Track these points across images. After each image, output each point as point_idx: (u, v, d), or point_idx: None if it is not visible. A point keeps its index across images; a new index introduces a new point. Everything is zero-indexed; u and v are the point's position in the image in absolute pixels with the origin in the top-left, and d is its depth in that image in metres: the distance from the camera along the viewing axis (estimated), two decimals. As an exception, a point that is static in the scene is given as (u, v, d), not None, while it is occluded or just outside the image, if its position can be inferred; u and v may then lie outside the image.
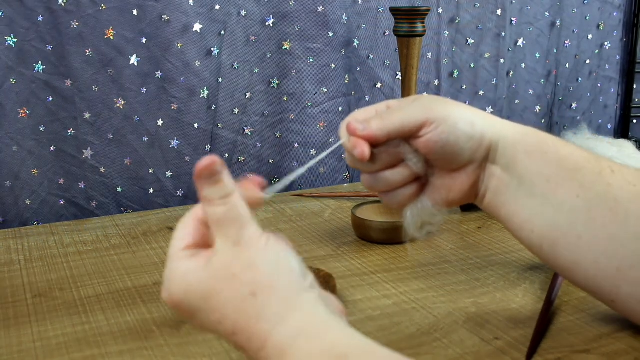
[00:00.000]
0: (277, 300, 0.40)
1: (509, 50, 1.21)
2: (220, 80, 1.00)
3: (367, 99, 1.12)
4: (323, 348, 0.38)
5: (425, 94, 0.53)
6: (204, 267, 0.41)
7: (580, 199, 0.52)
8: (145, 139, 0.97)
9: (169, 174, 1.00)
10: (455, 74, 1.18)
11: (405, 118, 0.53)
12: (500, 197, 0.56)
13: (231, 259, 0.41)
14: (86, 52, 0.90)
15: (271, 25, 1.02)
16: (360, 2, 1.07)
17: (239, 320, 0.40)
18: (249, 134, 1.04)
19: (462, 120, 0.54)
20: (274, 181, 1.08)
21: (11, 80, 0.88)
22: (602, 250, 0.51)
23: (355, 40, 1.08)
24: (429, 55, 1.14)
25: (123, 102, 0.94)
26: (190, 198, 1.02)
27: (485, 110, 1.21)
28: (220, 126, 1.01)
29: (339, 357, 0.38)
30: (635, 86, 1.35)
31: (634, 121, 1.38)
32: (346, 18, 1.06)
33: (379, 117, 0.54)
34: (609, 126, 1.37)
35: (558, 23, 1.25)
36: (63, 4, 0.88)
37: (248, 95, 1.03)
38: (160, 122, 0.97)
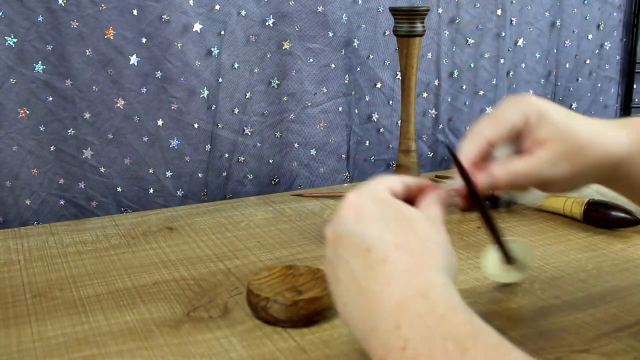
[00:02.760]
0: (447, 262, 0.44)
1: (509, 50, 1.21)
2: (220, 80, 1.00)
3: (367, 98, 1.12)
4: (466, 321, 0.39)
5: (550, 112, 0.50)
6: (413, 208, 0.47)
7: None
8: (145, 139, 0.97)
9: (169, 174, 1.00)
10: (455, 74, 1.18)
11: (535, 173, 0.52)
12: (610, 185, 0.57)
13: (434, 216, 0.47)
14: (86, 52, 0.90)
15: (271, 25, 1.02)
16: (360, 2, 1.07)
17: (411, 242, 0.43)
18: (249, 134, 1.04)
19: (597, 160, 0.52)
20: (274, 181, 1.08)
21: (11, 80, 0.88)
22: None
23: (355, 40, 1.08)
24: (429, 55, 1.14)
25: (123, 102, 0.94)
26: (190, 198, 1.02)
27: (486, 110, 1.21)
28: (220, 126, 1.01)
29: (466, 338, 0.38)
30: (635, 86, 1.35)
31: (634, 121, 1.38)
32: (346, 18, 1.06)
33: (504, 167, 0.52)
34: (609, 126, 1.37)
35: (558, 23, 1.25)
36: (63, 4, 0.88)
37: (248, 95, 1.03)
38: (160, 122, 0.97)
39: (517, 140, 0.53)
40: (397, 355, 0.39)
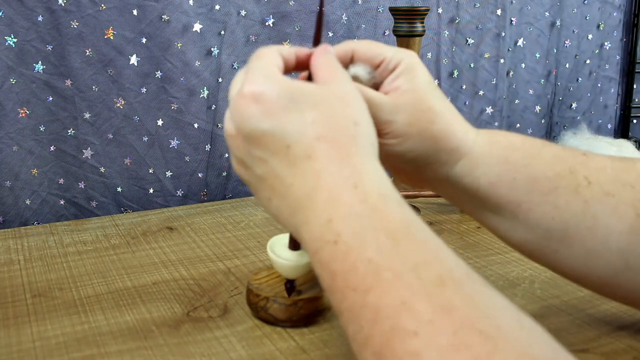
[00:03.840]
0: (371, 140, 0.43)
1: (508, 50, 1.21)
2: (220, 80, 1.00)
3: (367, 99, 1.12)
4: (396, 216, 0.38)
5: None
6: (316, 85, 0.43)
7: (555, 221, 0.49)
8: (145, 138, 0.97)
9: (168, 173, 1.00)
10: (455, 74, 1.18)
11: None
12: (459, 205, 0.53)
13: (341, 89, 0.43)
14: (86, 52, 0.90)
15: (271, 25, 1.02)
16: (360, 2, 1.07)
17: (333, 131, 0.41)
18: (249, 134, 1.04)
19: (441, 135, 0.51)
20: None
21: (11, 80, 0.88)
22: (582, 263, 0.49)
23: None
24: (429, 55, 1.14)
25: (123, 102, 0.94)
26: (190, 198, 1.02)
27: (485, 110, 1.21)
28: (220, 126, 1.01)
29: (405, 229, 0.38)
30: (635, 86, 1.35)
31: (634, 121, 1.38)
32: (346, 18, 1.06)
33: None
34: (609, 126, 1.37)
35: (558, 23, 1.25)
36: (63, 4, 0.88)
37: (248, 95, 1.03)
38: (160, 122, 0.97)
39: (378, 74, 0.51)
40: (329, 249, 0.38)
